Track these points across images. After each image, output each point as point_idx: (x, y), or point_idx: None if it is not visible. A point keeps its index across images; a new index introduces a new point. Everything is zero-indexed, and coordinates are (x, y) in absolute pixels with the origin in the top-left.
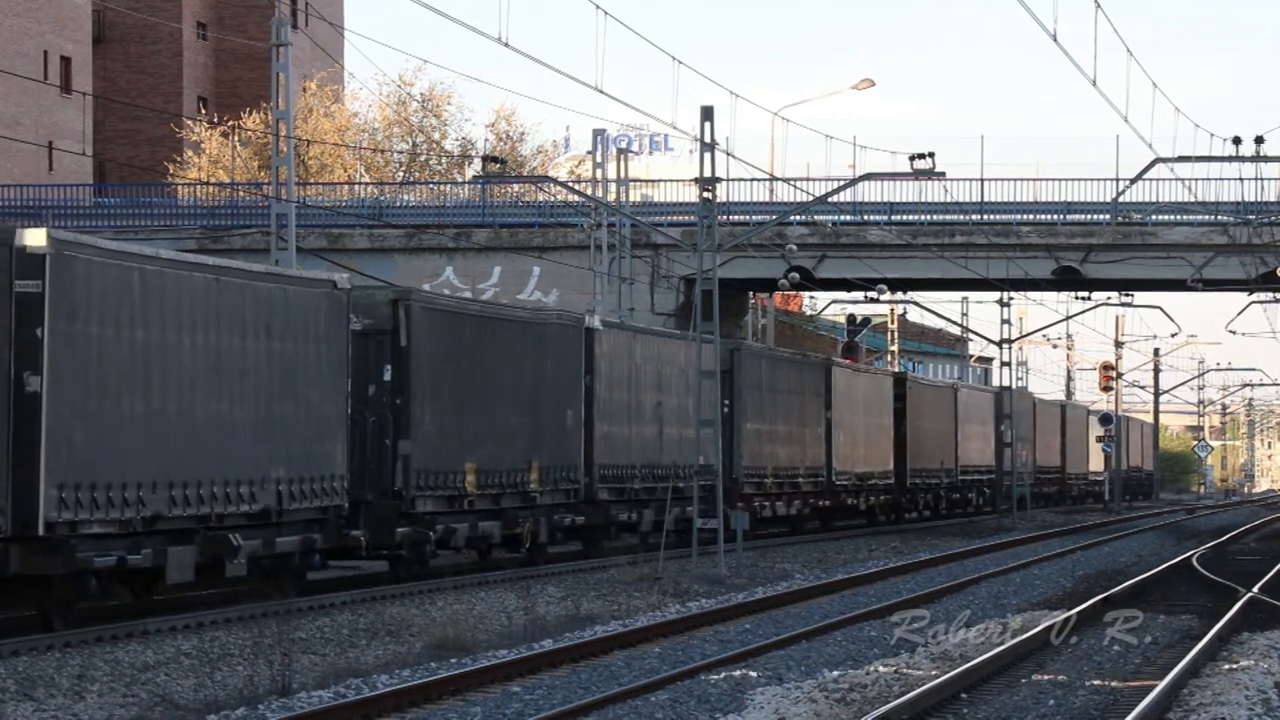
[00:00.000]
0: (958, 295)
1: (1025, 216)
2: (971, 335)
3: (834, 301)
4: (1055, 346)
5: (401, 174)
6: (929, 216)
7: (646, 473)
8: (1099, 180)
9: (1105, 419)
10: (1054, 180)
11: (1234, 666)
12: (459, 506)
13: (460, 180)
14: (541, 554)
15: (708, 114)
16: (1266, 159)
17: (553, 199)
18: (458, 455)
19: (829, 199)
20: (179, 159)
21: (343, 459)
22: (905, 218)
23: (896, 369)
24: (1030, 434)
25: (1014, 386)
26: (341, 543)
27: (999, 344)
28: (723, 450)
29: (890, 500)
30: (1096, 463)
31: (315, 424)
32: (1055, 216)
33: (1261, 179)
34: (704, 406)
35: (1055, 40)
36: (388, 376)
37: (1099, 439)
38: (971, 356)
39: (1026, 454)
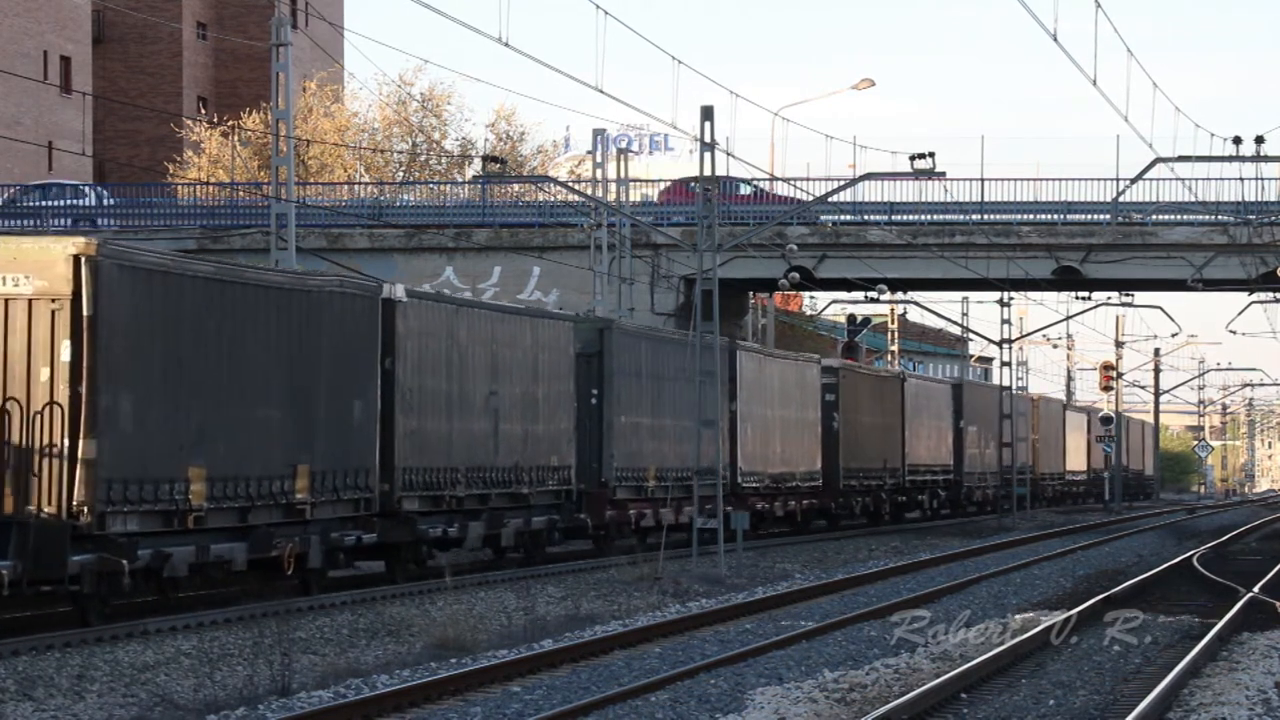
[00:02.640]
0: (958, 295)
1: (1025, 216)
2: (972, 335)
3: (834, 301)
4: (1055, 346)
5: (401, 174)
6: (929, 216)
7: (475, 477)
8: (1099, 180)
9: (1106, 419)
10: (1054, 180)
11: (1234, 666)
12: (180, 524)
13: (460, 180)
14: (318, 581)
15: (708, 114)
16: (1266, 159)
17: (553, 199)
18: (177, 458)
19: (829, 199)
20: (179, 159)
21: None
22: (905, 218)
23: (896, 365)
24: (997, 431)
25: (968, 379)
26: None
27: (999, 344)
28: (588, 448)
29: (816, 505)
30: (1076, 461)
31: None
32: (1055, 216)
33: (1261, 179)
34: (705, 406)
35: (1055, 40)
36: (66, 356)
37: (1099, 439)
38: (972, 356)
39: (991, 452)
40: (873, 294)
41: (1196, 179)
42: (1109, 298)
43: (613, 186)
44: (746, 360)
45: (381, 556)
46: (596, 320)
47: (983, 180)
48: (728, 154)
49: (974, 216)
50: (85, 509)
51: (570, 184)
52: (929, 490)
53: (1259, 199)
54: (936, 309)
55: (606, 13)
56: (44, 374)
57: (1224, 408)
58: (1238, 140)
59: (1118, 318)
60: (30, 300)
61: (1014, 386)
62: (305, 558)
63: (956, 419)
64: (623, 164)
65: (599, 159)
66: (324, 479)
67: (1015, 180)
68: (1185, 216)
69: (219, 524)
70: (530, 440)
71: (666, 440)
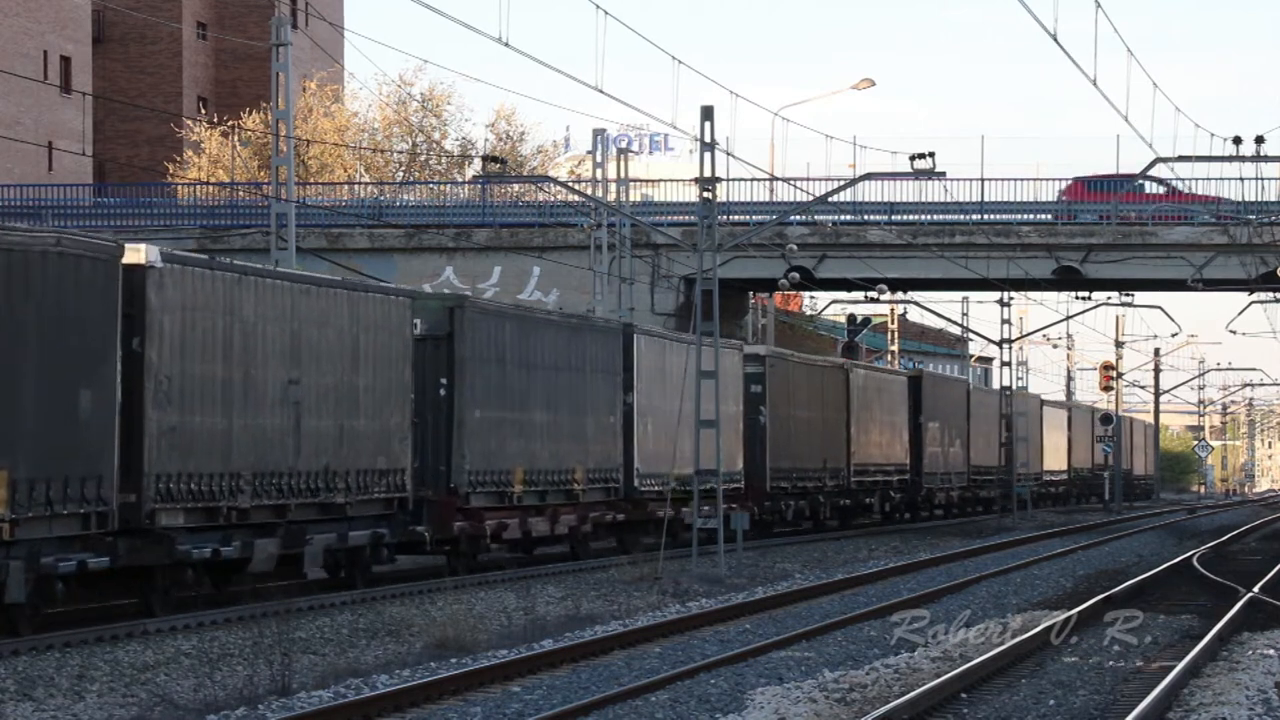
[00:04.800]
0: (958, 295)
1: (1025, 216)
2: (972, 335)
3: (834, 301)
4: (1055, 346)
5: (401, 174)
6: (929, 216)
7: (267, 484)
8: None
9: (1106, 418)
10: (1054, 180)
11: (1234, 666)
12: None
13: (460, 180)
14: (28, 619)
15: (708, 114)
16: (1266, 159)
17: (553, 199)
18: None
19: (829, 199)
20: (179, 159)
21: None
22: (905, 218)
23: (896, 365)
24: (964, 427)
25: (929, 371)
26: None
27: (999, 344)
28: (434, 448)
29: (735, 510)
30: (1055, 461)
31: None
32: (1055, 216)
33: (1261, 179)
34: (703, 408)
35: (1055, 40)
36: None
37: (1099, 439)
38: (972, 356)
39: (957, 450)
40: (873, 294)
41: (1197, 179)
42: (1109, 298)
43: (613, 186)
44: (646, 346)
45: (133, 582)
46: (445, 297)
47: (983, 180)
48: (728, 154)
49: (974, 216)
50: None
51: (570, 184)
52: (880, 492)
53: (1259, 199)
54: (936, 309)
55: (606, 13)
56: None
57: (1224, 408)
58: (1238, 140)
59: (1118, 318)
60: None
61: (1014, 386)
62: (2, 590)
63: (914, 414)
64: (623, 164)
65: (599, 159)
66: (32, 489)
67: (1015, 180)
68: (1185, 216)
69: None
70: (348, 439)
71: (538, 438)
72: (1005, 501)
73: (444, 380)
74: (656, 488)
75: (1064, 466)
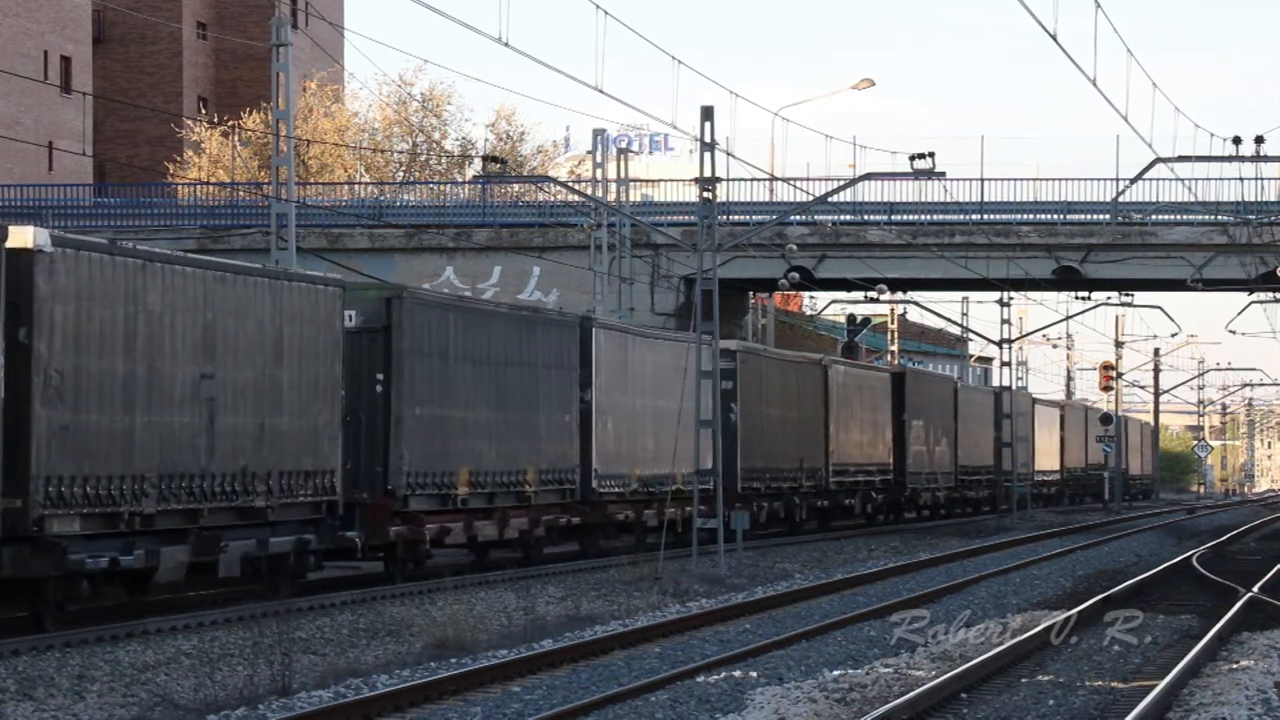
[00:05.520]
0: (958, 295)
1: (1025, 216)
2: (971, 335)
3: (834, 301)
4: (1055, 346)
5: (401, 174)
6: (929, 216)
7: (175, 487)
8: (1099, 180)
9: (1105, 418)
10: (1054, 180)
11: (1234, 666)
12: None
13: (460, 180)
14: None
15: (708, 114)
16: (1266, 159)
17: (553, 199)
18: None
19: (829, 199)
20: (179, 159)
21: None
22: (905, 218)
23: (896, 365)
24: (951, 426)
25: (913, 368)
26: None
27: (999, 344)
28: (369, 447)
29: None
30: (1047, 461)
31: None
32: (1055, 216)
33: (1261, 179)
34: (702, 407)
35: (1055, 40)
36: None
37: (1099, 439)
38: (971, 356)
39: (943, 450)
40: (873, 294)
41: (1196, 179)
42: (1109, 298)
43: (613, 186)
44: (605, 341)
45: (21, 594)
46: (382, 286)
47: (983, 180)
48: (728, 154)
49: (974, 216)
50: None
51: (570, 184)
52: (861, 493)
53: (1259, 199)
54: (936, 309)
55: (606, 13)
56: None
57: (1224, 408)
58: (1238, 140)
59: (1117, 318)
60: None
61: (1014, 385)
62: None
63: (898, 412)
64: (623, 164)
65: (599, 159)
66: None
67: (1015, 180)
68: (1185, 216)
69: None
70: (269, 438)
71: (485, 437)
72: (995, 502)
73: (380, 375)
74: (617, 489)
75: (1056, 466)
